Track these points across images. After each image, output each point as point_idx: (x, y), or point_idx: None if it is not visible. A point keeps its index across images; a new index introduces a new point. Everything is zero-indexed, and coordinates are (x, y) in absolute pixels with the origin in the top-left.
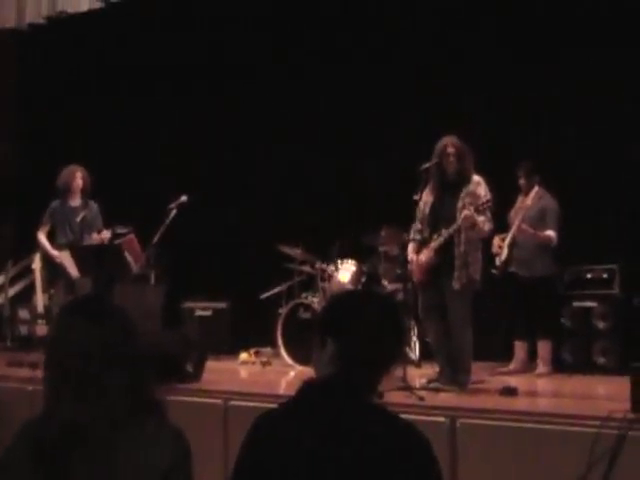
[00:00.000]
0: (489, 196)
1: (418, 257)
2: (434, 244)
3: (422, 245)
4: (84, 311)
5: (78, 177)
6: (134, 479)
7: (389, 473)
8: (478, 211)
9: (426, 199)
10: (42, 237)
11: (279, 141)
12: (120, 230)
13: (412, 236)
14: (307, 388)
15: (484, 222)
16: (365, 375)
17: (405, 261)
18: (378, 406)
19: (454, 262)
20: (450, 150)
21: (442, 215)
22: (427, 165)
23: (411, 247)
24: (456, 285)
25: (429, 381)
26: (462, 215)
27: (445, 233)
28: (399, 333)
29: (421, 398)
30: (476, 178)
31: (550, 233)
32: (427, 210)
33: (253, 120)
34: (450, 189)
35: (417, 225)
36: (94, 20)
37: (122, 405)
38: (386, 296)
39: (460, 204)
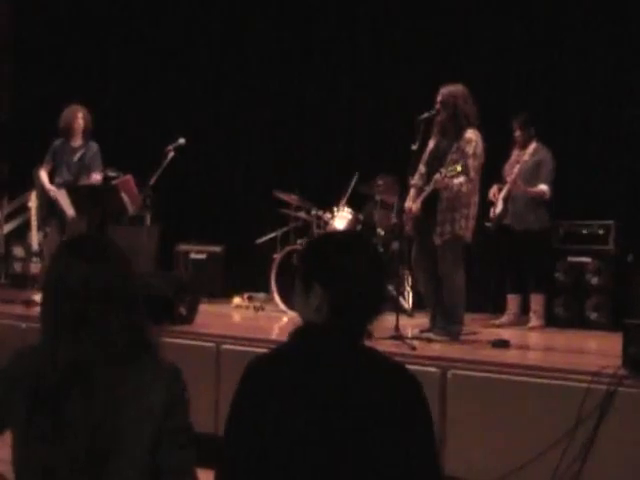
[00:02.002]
0: (475, 162)
1: (412, 205)
2: (422, 196)
3: (421, 191)
4: (82, 250)
5: (79, 117)
6: (134, 416)
7: (382, 413)
8: (453, 176)
9: (430, 146)
10: (43, 175)
11: (279, 87)
12: (112, 174)
13: (415, 181)
14: (300, 334)
15: (463, 183)
16: (356, 319)
17: (401, 210)
18: (370, 349)
19: (437, 216)
20: (438, 98)
21: (435, 165)
22: (426, 115)
23: (411, 193)
24: (437, 240)
25: (421, 331)
26: (433, 179)
27: (427, 189)
28: (384, 275)
29: (413, 348)
30: (468, 134)
31: (543, 187)
32: (427, 158)
33: (253, 65)
34: (446, 139)
35: (421, 169)
36: None
37: (121, 344)
38: (368, 237)
39: (448, 158)
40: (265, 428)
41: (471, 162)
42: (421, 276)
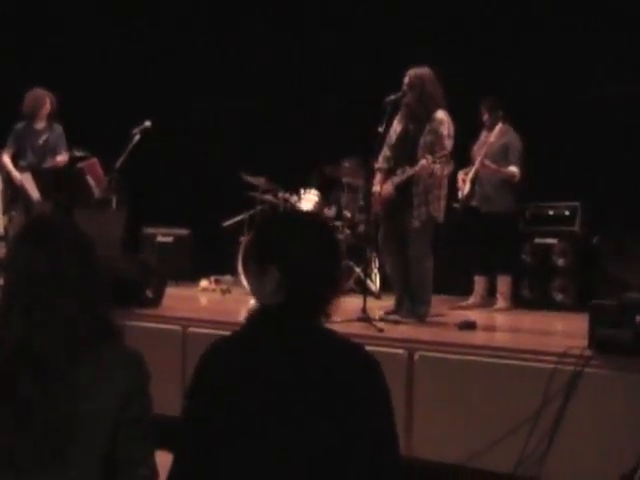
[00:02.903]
0: (450, 143)
1: (381, 188)
2: (396, 179)
3: (388, 174)
4: (31, 233)
5: (47, 102)
6: (92, 402)
7: (338, 393)
8: (435, 161)
9: (395, 127)
10: (6, 159)
11: (245, 69)
12: (78, 153)
13: (380, 164)
14: (256, 316)
15: (442, 168)
16: (312, 301)
17: (368, 192)
18: (327, 330)
19: (413, 199)
20: (405, 80)
21: (406, 148)
22: (392, 97)
23: (378, 177)
24: (415, 223)
25: (387, 312)
26: (419, 164)
27: (405, 173)
28: (340, 257)
29: (380, 330)
30: (439, 115)
31: (513, 169)
32: (394, 139)
33: (218, 46)
34: (415, 121)
35: (386, 151)
36: None
37: (74, 327)
38: (321, 217)
39: (422, 141)
40: (222, 409)
41: (447, 142)
42: (389, 259)
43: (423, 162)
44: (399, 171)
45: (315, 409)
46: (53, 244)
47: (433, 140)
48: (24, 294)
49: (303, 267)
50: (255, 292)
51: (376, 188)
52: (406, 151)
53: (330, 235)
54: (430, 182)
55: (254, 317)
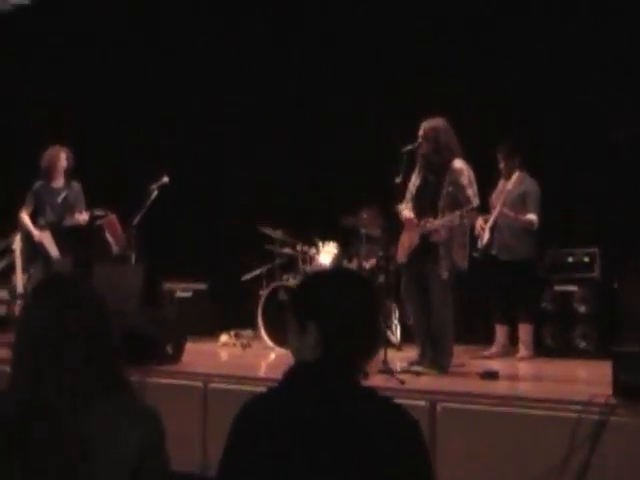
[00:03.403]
0: (472, 191)
1: (405, 238)
2: (420, 229)
3: (411, 225)
4: (39, 292)
5: (63, 158)
6: (107, 460)
7: (380, 453)
8: (464, 216)
9: (414, 181)
10: (25, 217)
11: (261, 123)
12: (98, 213)
13: (402, 215)
14: (294, 373)
15: (472, 215)
16: (352, 358)
17: (387, 243)
18: (368, 389)
19: (438, 248)
20: (420, 132)
21: (426, 199)
22: (409, 147)
23: (405, 225)
24: (441, 272)
25: (410, 363)
26: (449, 218)
27: (430, 224)
28: (379, 312)
29: (402, 381)
30: (457, 164)
31: (531, 217)
32: (414, 192)
33: (235, 102)
34: (434, 173)
35: (408, 204)
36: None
37: (84, 383)
38: (360, 273)
39: (444, 192)
40: (260, 468)
41: (470, 191)
42: (412, 308)
43: (456, 214)
44: (422, 222)
45: (354, 470)
46: (59, 303)
47: (455, 191)
48: (32, 351)
49: (342, 324)
50: (293, 349)
51: (406, 213)
52: (427, 202)
53: (369, 292)
54: (454, 231)
55: (292, 374)
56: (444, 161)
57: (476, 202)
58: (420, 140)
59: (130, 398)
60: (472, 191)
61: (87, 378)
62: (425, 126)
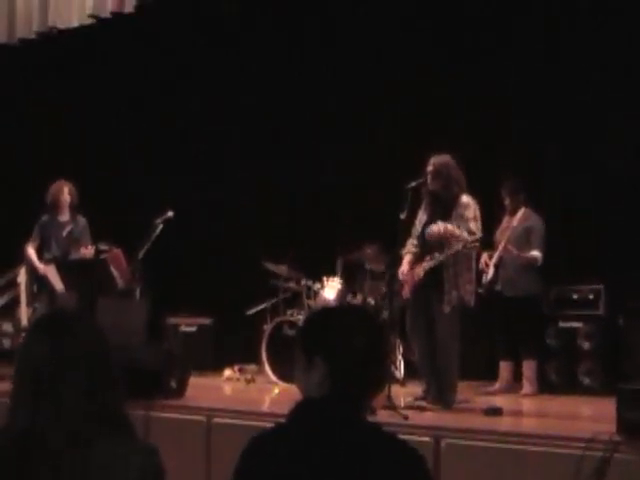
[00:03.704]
0: (478, 225)
1: (409, 272)
2: (425, 265)
3: (416, 260)
4: (39, 328)
5: (65, 192)
6: None
7: None
8: (467, 246)
9: (420, 217)
10: (30, 251)
11: (264, 157)
12: (103, 247)
13: (408, 249)
14: (301, 409)
15: (476, 246)
16: (359, 394)
17: (391, 279)
18: (374, 424)
19: (444, 283)
20: (428, 169)
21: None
22: (413, 184)
23: (407, 259)
24: (446, 308)
25: (416, 398)
26: (453, 249)
27: (435, 258)
28: (387, 349)
29: (405, 417)
30: (464, 199)
31: (535, 253)
32: (419, 229)
33: (237, 135)
34: (440, 209)
35: (413, 241)
36: (85, 36)
37: (83, 416)
38: (368, 310)
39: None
40: None
41: (474, 225)
42: (417, 343)
43: (458, 246)
44: (428, 257)
45: None
46: (58, 338)
47: (460, 225)
48: (30, 385)
49: (349, 360)
50: (301, 384)
51: (404, 268)
52: (434, 239)
53: (377, 329)
54: (460, 266)
55: (298, 410)
56: (453, 196)
57: (479, 234)
58: (429, 176)
59: (129, 433)
60: (476, 224)
61: (86, 412)
62: (435, 162)
